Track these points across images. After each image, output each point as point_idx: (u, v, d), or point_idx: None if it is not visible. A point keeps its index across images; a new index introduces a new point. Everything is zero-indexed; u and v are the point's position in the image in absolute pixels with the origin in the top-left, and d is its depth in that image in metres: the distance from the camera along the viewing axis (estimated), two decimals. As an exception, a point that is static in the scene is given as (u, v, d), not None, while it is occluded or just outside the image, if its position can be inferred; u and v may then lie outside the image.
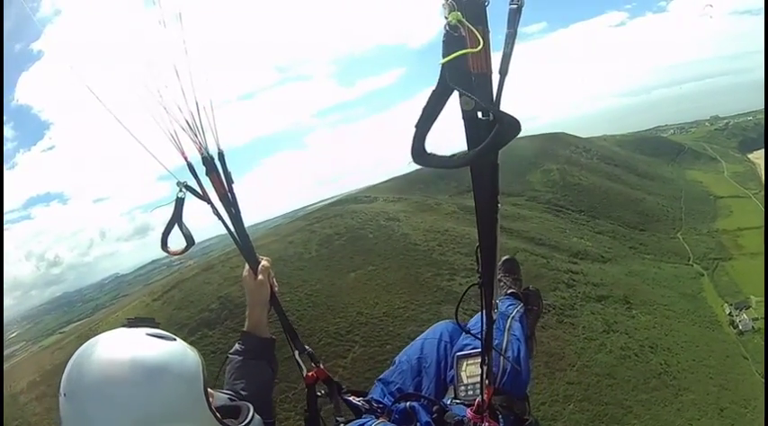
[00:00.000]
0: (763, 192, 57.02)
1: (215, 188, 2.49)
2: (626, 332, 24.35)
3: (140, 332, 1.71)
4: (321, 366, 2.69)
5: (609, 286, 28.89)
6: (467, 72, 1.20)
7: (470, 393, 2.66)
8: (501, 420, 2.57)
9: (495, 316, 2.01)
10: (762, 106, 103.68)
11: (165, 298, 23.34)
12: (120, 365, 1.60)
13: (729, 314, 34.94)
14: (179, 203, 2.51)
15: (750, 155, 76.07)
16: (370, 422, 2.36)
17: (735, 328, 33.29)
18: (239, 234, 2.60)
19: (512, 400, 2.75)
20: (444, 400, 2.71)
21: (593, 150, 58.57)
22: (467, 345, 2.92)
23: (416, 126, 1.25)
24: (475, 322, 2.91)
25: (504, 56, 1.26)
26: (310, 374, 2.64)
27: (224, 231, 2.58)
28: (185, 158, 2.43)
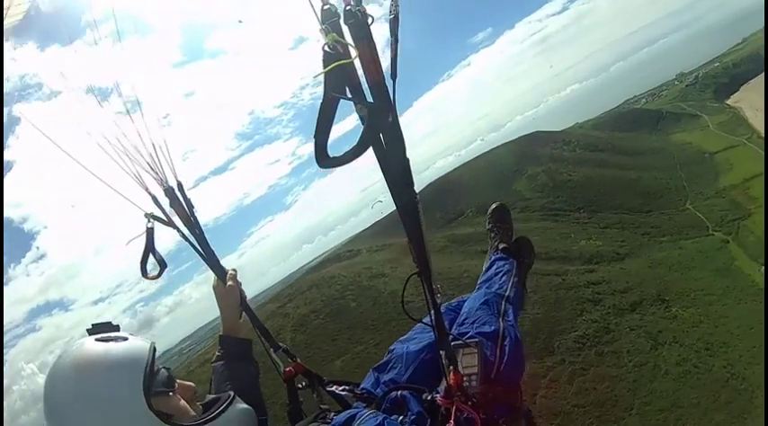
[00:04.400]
0: (755, 135, 54.37)
1: (179, 215, 2.89)
2: (675, 341, 20.88)
3: (90, 340, 1.89)
4: (298, 360, 3.00)
5: (637, 287, 25.50)
6: (352, 81, 1.45)
7: (465, 383, 2.50)
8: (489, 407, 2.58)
9: (438, 300, 2.16)
10: (723, 50, 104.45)
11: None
12: (65, 369, 1.82)
13: (768, 276, 31.68)
14: (149, 233, 2.87)
15: (729, 101, 74.01)
16: (360, 412, 2.35)
17: (778, 291, 30.04)
18: (205, 250, 2.91)
19: (495, 388, 2.70)
20: (439, 389, 2.59)
21: (574, 141, 55.84)
22: (463, 334, 2.93)
23: (315, 136, 1.47)
24: (468, 308, 3.24)
25: (391, 61, 1.47)
26: (288, 369, 2.93)
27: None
28: (148, 191, 2.83)
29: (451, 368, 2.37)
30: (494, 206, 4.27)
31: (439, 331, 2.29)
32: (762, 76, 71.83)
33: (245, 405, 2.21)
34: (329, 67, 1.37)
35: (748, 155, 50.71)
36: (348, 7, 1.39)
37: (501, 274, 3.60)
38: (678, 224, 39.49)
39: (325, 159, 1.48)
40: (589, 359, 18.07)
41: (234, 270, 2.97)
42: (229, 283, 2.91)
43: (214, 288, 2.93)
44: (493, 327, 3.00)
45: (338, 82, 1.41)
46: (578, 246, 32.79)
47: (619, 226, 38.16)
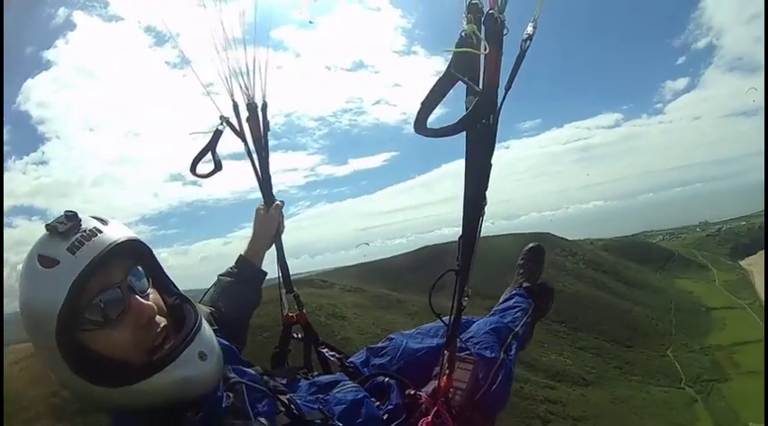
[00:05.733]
0: (757, 302, 53.86)
1: (252, 131, 2.93)
2: (612, 486, 20.33)
3: (32, 256, 1.64)
4: (304, 311, 2.94)
5: (592, 418, 25.06)
6: (472, 72, 1.57)
7: (450, 394, 2.41)
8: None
9: (464, 303, 2.11)
10: (755, 210, 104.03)
11: (24, 365, 20.03)
12: None
13: (729, 450, 30.87)
14: (217, 134, 2.91)
15: (742, 262, 73.69)
16: (346, 382, 2.38)
17: (735, 468, 29.24)
18: (263, 173, 2.98)
19: (474, 410, 2.57)
20: (425, 389, 2.48)
21: (580, 254, 55.94)
22: (464, 348, 2.79)
23: (422, 102, 1.58)
24: (476, 329, 3.05)
25: (511, 74, 1.64)
26: (291, 315, 2.89)
27: None
28: (232, 98, 2.87)
29: (448, 371, 2.37)
30: (533, 244, 4.12)
31: (453, 332, 2.30)
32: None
33: (213, 337, 1.76)
34: (461, 49, 1.51)
35: (745, 320, 50.20)
36: (492, 11, 1.55)
37: (517, 309, 3.51)
38: (653, 368, 38.97)
39: (422, 126, 1.60)
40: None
41: (282, 201, 3.00)
42: (271, 212, 2.93)
43: (257, 210, 2.97)
44: (494, 354, 2.93)
45: (462, 65, 1.54)
46: (548, 359, 32.38)
47: (595, 351, 37.71)
